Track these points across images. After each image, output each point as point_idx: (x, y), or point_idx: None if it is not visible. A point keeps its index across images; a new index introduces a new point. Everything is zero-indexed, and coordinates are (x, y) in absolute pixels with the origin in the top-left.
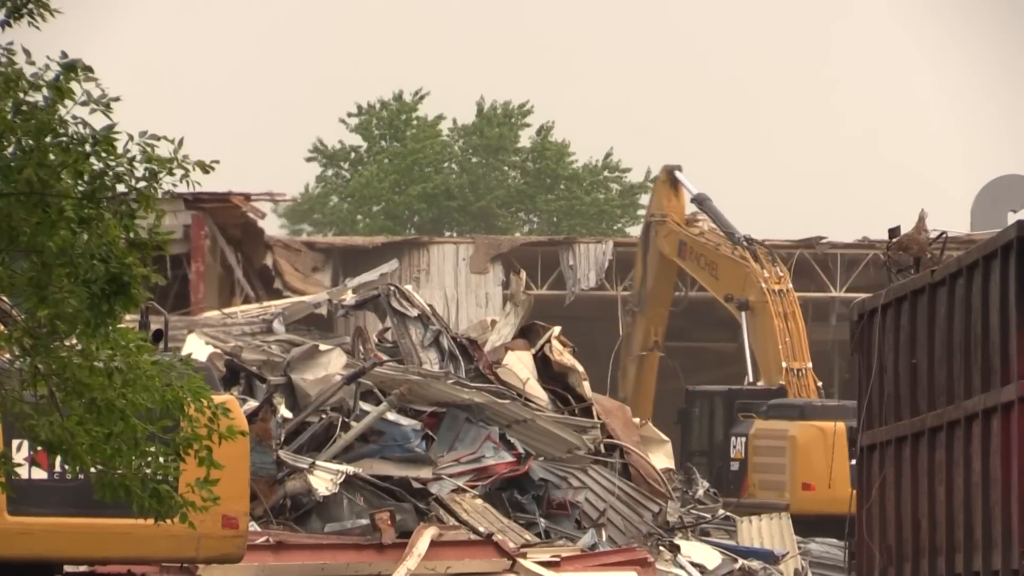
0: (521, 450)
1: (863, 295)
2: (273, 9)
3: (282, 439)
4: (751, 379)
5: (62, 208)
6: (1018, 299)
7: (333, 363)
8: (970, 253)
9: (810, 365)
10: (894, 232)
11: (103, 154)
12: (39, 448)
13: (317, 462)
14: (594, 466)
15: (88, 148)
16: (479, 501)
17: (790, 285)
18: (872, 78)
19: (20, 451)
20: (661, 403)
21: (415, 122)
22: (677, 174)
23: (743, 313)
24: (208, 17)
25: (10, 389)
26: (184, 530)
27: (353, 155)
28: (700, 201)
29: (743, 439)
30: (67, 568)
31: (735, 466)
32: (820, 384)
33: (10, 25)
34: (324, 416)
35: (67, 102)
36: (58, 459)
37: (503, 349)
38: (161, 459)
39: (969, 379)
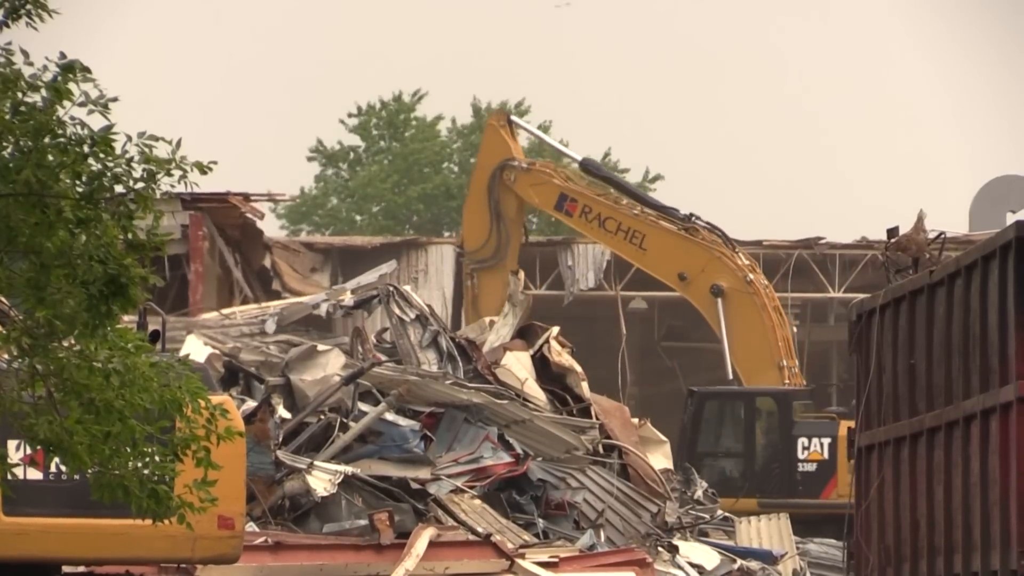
0: (519, 450)
1: (862, 295)
2: (272, 9)
3: (280, 440)
4: (731, 375)
5: (60, 209)
6: (1017, 299)
7: (331, 363)
8: (969, 253)
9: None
10: (893, 232)
11: (101, 155)
12: (37, 448)
13: (315, 462)
14: (592, 466)
15: (86, 149)
16: (477, 501)
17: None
18: (872, 77)
19: (18, 451)
20: (660, 403)
21: (414, 122)
22: (515, 118)
23: (718, 300)
24: (207, 17)
25: (9, 389)
26: (180, 531)
27: (352, 155)
28: (595, 168)
29: (823, 440)
30: (65, 568)
31: (809, 467)
32: (804, 384)
33: (8, 26)
34: (322, 416)
35: (65, 103)
36: (54, 460)
37: (501, 349)
38: (158, 459)
39: (967, 379)
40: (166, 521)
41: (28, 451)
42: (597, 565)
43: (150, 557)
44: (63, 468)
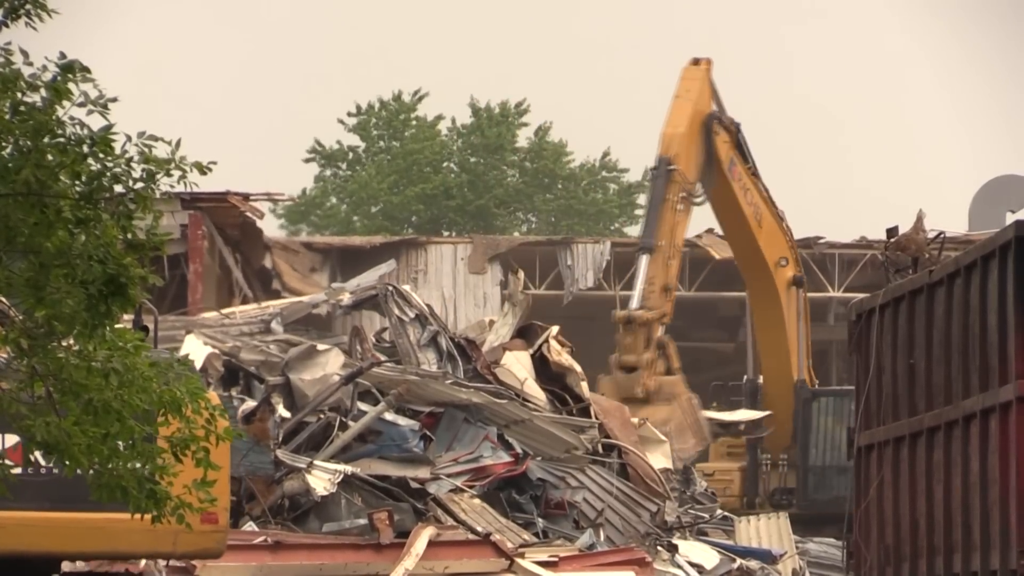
0: (519, 450)
1: (861, 295)
2: (272, 9)
3: (280, 439)
4: (803, 372)
5: (60, 209)
6: (1016, 299)
7: (331, 363)
8: (968, 253)
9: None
10: (892, 232)
11: (101, 155)
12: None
13: (315, 462)
14: (592, 466)
15: (86, 149)
16: (477, 501)
17: None
18: (871, 77)
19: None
20: None
21: (414, 122)
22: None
23: (799, 292)
24: (206, 17)
25: (8, 390)
26: (161, 525)
27: (351, 155)
28: (739, 130)
29: None
30: (65, 567)
31: None
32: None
33: (7, 26)
34: (322, 416)
35: (65, 103)
36: (33, 454)
37: (501, 349)
38: (158, 460)
39: (967, 379)
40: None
41: (4, 445)
42: (597, 564)
43: (131, 551)
44: (42, 462)
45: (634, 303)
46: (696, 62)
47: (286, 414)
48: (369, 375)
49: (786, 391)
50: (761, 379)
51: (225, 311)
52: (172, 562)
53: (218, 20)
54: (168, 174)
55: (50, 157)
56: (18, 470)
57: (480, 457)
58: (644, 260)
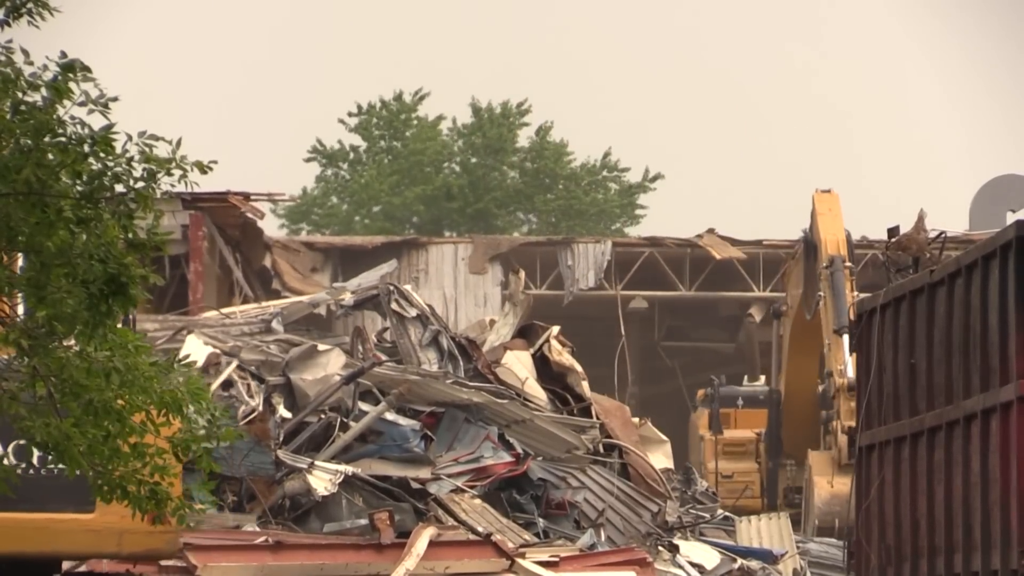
0: (520, 450)
1: (862, 295)
2: (273, 9)
3: (281, 439)
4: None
5: (60, 208)
6: (1017, 299)
7: (332, 363)
8: (969, 253)
9: None
10: (893, 232)
11: (101, 154)
12: None
13: (316, 462)
14: (593, 466)
15: (87, 148)
16: (478, 501)
17: None
18: (871, 77)
19: None
20: (660, 404)
21: (415, 122)
22: None
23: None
24: (208, 17)
25: (8, 390)
26: (105, 524)
27: (352, 155)
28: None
29: None
30: (65, 566)
31: None
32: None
33: (9, 24)
34: (323, 416)
35: (65, 102)
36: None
37: (502, 349)
38: (153, 460)
39: (968, 379)
40: (95, 514)
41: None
42: (597, 564)
43: (72, 551)
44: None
45: (850, 372)
46: (827, 191)
47: (287, 414)
48: (370, 375)
49: (811, 395)
50: (782, 386)
51: (225, 311)
52: (174, 561)
53: (220, 19)
54: (169, 173)
55: (51, 156)
56: None
57: (481, 457)
58: (847, 339)
